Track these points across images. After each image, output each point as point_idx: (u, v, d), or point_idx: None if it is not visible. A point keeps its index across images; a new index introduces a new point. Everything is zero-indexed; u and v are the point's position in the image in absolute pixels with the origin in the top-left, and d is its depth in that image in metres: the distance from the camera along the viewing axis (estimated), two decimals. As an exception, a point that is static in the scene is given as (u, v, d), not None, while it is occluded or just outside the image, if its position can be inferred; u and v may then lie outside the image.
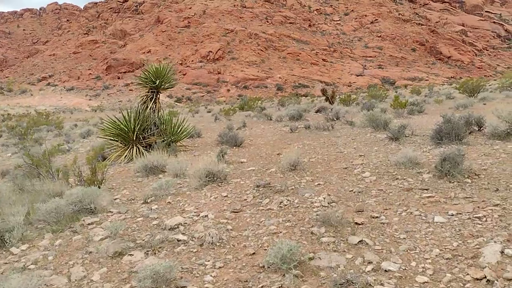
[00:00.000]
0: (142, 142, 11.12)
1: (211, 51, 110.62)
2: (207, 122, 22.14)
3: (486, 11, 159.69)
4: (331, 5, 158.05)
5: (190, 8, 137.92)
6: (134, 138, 10.98)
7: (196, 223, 5.05)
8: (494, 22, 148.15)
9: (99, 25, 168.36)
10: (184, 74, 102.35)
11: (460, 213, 4.44)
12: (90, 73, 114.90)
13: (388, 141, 9.07)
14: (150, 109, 11.51)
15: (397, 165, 6.60)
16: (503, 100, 18.61)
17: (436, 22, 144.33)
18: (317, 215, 4.77)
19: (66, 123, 32.42)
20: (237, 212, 5.35)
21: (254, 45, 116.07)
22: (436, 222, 4.29)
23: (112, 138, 11.43)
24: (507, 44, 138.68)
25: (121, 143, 11.27)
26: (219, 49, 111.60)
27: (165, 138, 11.14)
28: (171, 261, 3.96)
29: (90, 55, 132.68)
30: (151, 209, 5.83)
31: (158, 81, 11.61)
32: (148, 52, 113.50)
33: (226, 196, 6.11)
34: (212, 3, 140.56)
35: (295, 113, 17.22)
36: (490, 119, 8.59)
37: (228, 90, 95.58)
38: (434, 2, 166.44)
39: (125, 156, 10.63)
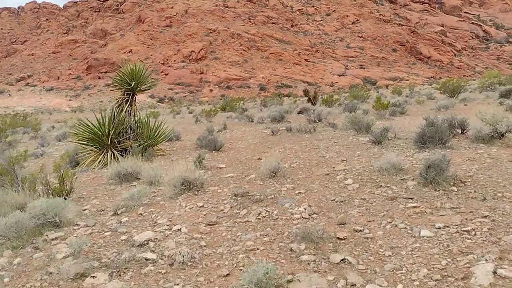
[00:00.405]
0: (117, 147, 10.67)
1: (193, 51, 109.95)
2: (187, 123, 21.68)
3: (465, 12, 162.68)
4: (313, 6, 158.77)
5: (171, 8, 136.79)
6: (109, 143, 10.52)
7: (168, 238, 4.69)
8: (472, 23, 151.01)
9: (79, 24, 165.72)
10: (166, 74, 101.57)
11: (447, 226, 4.18)
12: (70, 73, 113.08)
13: (371, 145, 8.83)
14: (125, 112, 11.05)
15: (380, 171, 6.34)
16: (484, 101, 18.68)
17: (416, 22, 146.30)
18: (297, 228, 4.46)
19: (44, 125, 31.55)
20: (213, 225, 5.01)
21: (237, 45, 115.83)
22: (423, 237, 4.02)
23: (85, 143, 10.92)
24: (485, 45, 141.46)
25: (95, 148, 10.79)
26: (201, 49, 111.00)
27: (141, 142, 10.71)
28: (136, 285, 3.60)
29: (70, 55, 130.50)
30: (121, 222, 5.43)
31: (133, 82, 11.16)
32: (129, 52, 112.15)
33: (202, 206, 5.75)
34: (194, 3, 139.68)
35: (277, 114, 16.91)
36: (473, 122, 8.42)
37: (211, 90, 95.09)
38: (414, 3, 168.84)
39: (99, 161, 10.17)
